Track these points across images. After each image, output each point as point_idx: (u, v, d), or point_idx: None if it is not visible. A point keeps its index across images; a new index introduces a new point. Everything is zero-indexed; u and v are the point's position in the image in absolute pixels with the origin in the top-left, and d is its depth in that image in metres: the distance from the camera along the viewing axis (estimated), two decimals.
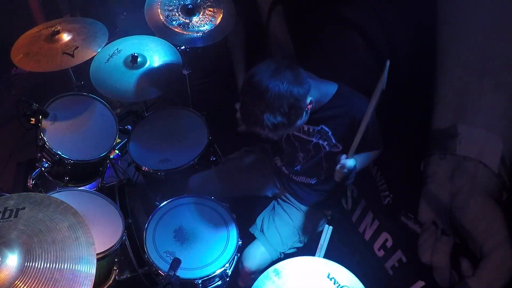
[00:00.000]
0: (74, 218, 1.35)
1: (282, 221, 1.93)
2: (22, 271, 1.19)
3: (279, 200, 2.03)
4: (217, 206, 1.96)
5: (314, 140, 1.71)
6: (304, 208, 1.96)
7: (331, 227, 1.65)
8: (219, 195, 2.03)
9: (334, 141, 1.67)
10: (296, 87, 1.39)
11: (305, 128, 1.70)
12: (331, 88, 1.63)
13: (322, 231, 1.68)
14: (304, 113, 1.48)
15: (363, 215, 2.23)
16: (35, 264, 1.21)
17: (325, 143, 1.69)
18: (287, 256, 1.92)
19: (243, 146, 2.23)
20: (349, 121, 1.61)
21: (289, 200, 1.99)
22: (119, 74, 2.26)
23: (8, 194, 1.42)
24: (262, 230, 1.93)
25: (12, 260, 1.21)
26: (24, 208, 1.33)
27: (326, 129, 1.66)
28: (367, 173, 2.06)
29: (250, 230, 1.96)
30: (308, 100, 1.46)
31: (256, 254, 1.88)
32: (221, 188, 2.05)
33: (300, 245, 1.95)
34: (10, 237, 1.25)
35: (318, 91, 1.56)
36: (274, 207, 2.01)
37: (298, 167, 1.85)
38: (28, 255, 1.23)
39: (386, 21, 1.71)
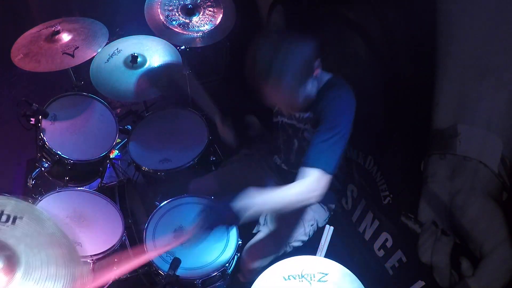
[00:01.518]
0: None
1: (287, 213, 1.92)
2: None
3: None
4: None
5: (302, 126, 1.70)
6: None
7: (332, 227, 1.65)
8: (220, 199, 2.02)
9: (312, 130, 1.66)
10: (308, 46, 1.42)
11: (297, 115, 1.69)
12: (325, 77, 1.62)
13: (323, 229, 1.68)
14: (311, 79, 1.48)
15: (363, 215, 2.23)
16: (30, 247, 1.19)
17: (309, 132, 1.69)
18: (292, 251, 1.91)
19: (242, 149, 2.22)
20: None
21: None
22: (119, 74, 2.26)
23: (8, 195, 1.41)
24: (266, 223, 1.92)
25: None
26: (22, 218, 1.27)
27: (312, 117, 1.65)
28: (367, 173, 2.06)
29: (254, 231, 1.95)
30: (317, 63, 1.46)
31: (260, 246, 1.85)
32: (222, 193, 2.05)
33: (305, 238, 1.93)
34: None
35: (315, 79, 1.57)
36: None
37: (295, 160, 1.85)
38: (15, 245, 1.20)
39: (386, 21, 1.71)
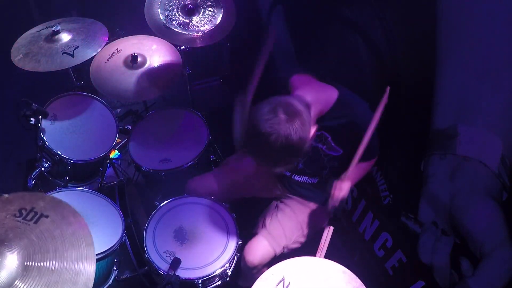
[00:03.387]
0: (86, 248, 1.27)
1: (285, 216, 1.92)
2: (22, 271, 1.18)
3: (281, 199, 2.02)
4: (217, 206, 1.96)
5: (313, 143, 1.71)
6: (308, 203, 1.96)
7: (332, 227, 1.65)
8: (219, 197, 2.02)
9: (333, 145, 1.67)
10: (299, 132, 1.35)
11: None
12: (331, 96, 1.60)
13: (323, 230, 1.68)
14: (307, 142, 1.45)
15: (363, 215, 2.23)
16: (34, 264, 1.19)
17: (324, 147, 1.70)
18: (290, 251, 1.91)
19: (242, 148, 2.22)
20: (350, 127, 1.61)
21: (292, 197, 1.99)
22: (119, 74, 2.26)
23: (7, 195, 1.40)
24: (264, 226, 1.92)
25: (12, 259, 1.19)
26: (47, 217, 1.29)
27: (326, 134, 1.66)
28: (367, 173, 2.06)
29: (253, 232, 1.95)
30: (312, 131, 1.45)
31: (259, 248, 1.86)
32: (221, 191, 2.05)
33: (303, 240, 1.94)
34: (18, 241, 1.22)
35: (319, 104, 1.55)
36: (277, 205, 2.00)
37: (299, 166, 1.85)
38: (27, 255, 1.20)
39: (386, 21, 1.71)
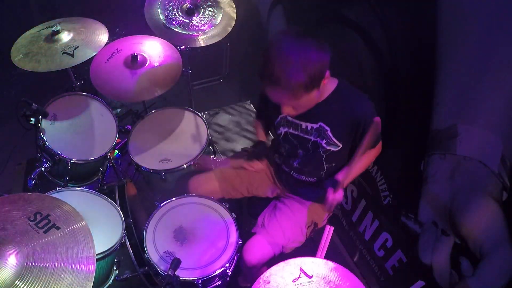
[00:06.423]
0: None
1: (284, 215, 1.92)
2: (22, 272, 1.16)
3: (281, 198, 2.02)
4: (217, 206, 1.96)
5: (313, 138, 1.71)
6: (306, 202, 1.96)
7: (332, 228, 1.65)
8: (219, 197, 2.02)
9: (333, 139, 1.67)
10: (322, 53, 1.45)
11: (303, 126, 1.70)
12: (331, 83, 1.63)
13: (323, 229, 1.68)
14: (318, 87, 1.51)
15: (363, 215, 2.23)
16: (34, 264, 1.18)
17: (323, 141, 1.69)
18: (290, 251, 1.91)
19: (243, 147, 2.22)
20: (349, 119, 1.61)
21: (291, 197, 1.99)
22: (119, 74, 2.26)
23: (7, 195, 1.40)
24: (263, 225, 1.92)
25: (12, 259, 1.19)
26: (58, 229, 1.25)
27: (325, 127, 1.66)
28: (367, 173, 2.06)
29: (252, 231, 1.95)
30: (327, 74, 1.49)
31: (257, 247, 1.86)
32: (221, 190, 2.05)
33: (302, 239, 1.94)
34: (22, 248, 1.20)
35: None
36: (275, 205, 2.00)
37: (297, 165, 1.85)
38: (28, 255, 1.19)
39: (386, 21, 1.71)
